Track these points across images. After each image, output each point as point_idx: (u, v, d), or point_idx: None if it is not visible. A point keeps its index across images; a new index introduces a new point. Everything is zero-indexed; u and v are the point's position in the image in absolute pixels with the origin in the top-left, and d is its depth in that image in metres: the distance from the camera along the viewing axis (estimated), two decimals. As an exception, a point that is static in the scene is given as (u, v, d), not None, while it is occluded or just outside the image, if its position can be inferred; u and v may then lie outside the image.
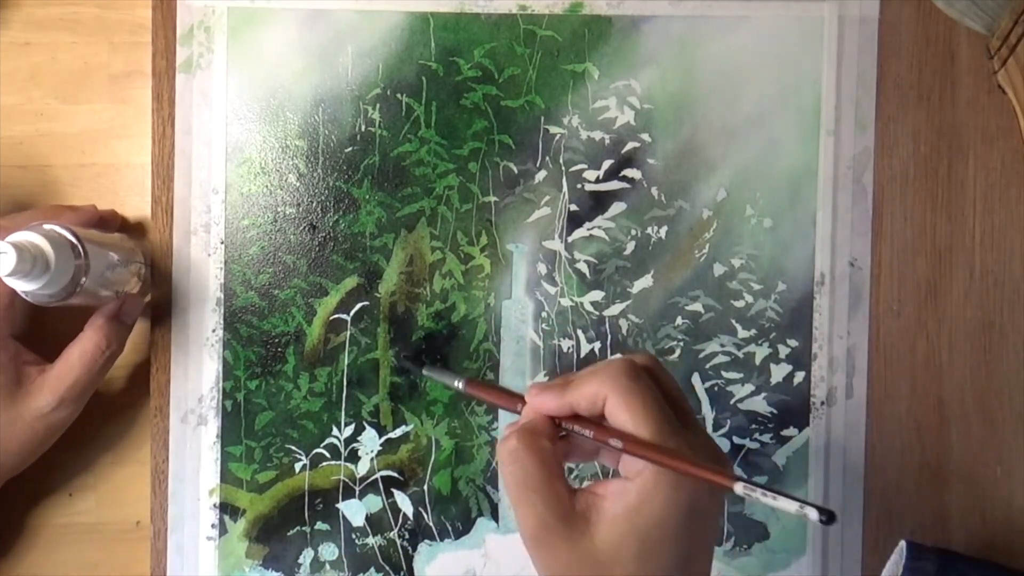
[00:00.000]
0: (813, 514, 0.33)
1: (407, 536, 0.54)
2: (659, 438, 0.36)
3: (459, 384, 0.43)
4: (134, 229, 0.54)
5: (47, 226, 0.44)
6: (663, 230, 0.54)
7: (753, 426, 0.54)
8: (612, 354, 0.54)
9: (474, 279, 0.54)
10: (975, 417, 0.55)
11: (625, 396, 0.37)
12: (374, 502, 0.54)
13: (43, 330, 0.52)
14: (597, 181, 0.54)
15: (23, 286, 0.43)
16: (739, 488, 0.34)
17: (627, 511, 0.36)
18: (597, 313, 0.54)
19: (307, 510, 0.54)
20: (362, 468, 0.54)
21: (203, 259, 0.53)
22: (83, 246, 0.44)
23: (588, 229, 0.54)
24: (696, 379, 0.54)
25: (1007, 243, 0.55)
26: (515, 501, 0.38)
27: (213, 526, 0.53)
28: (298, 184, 0.54)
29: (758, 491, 0.34)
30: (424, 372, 0.47)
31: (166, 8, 0.53)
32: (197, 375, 0.53)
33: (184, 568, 0.53)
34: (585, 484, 0.38)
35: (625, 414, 0.37)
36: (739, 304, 0.54)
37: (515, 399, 0.41)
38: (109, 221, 0.52)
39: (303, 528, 0.54)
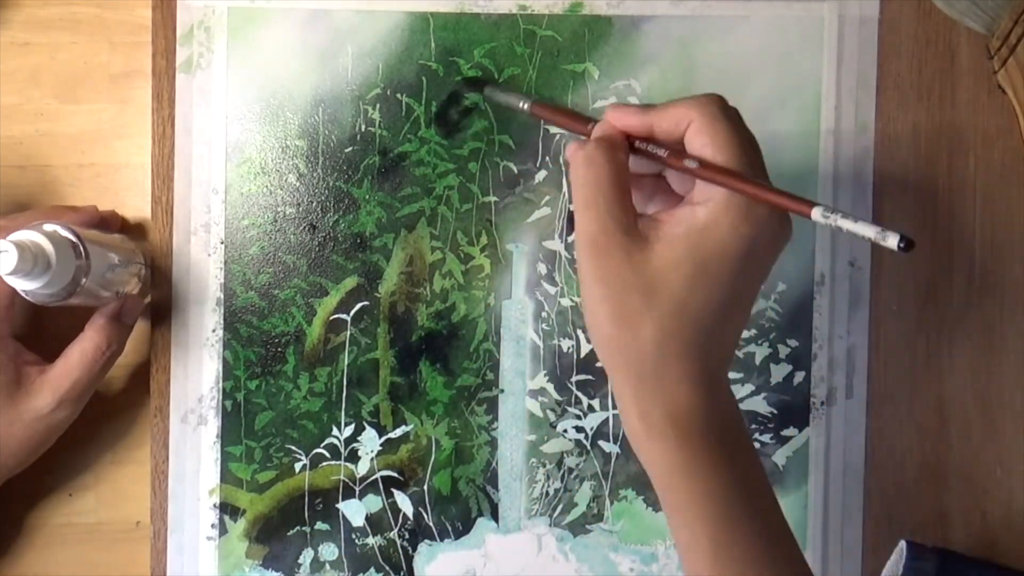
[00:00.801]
0: (893, 239, 0.32)
1: (407, 536, 0.54)
2: (738, 166, 0.36)
3: (524, 105, 0.42)
4: (134, 230, 0.54)
5: (48, 226, 0.44)
6: (663, 230, 0.54)
7: (753, 426, 0.54)
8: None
9: (474, 279, 0.54)
10: (975, 417, 0.55)
11: (712, 122, 0.37)
12: (374, 502, 0.54)
13: (43, 330, 0.52)
14: (597, 181, 0.54)
15: (24, 285, 0.43)
16: (817, 214, 0.34)
17: (689, 233, 0.37)
18: (597, 313, 0.54)
19: (307, 510, 0.54)
20: (362, 468, 0.54)
21: (203, 259, 0.53)
22: (84, 246, 0.44)
23: (588, 229, 0.54)
24: (696, 379, 0.54)
25: (1007, 243, 0.55)
26: (581, 204, 0.38)
27: (213, 526, 0.53)
28: (298, 184, 0.54)
29: (837, 215, 0.33)
30: (485, 92, 0.46)
31: (166, 8, 0.53)
32: (197, 375, 0.53)
33: (184, 568, 0.53)
34: None
35: (707, 138, 0.37)
36: (739, 304, 0.54)
37: (586, 121, 0.40)
38: (110, 222, 0.52)
39: (303, 528, 0.54)
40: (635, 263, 0.37)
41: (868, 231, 0.32)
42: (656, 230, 0.37)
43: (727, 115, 0.37)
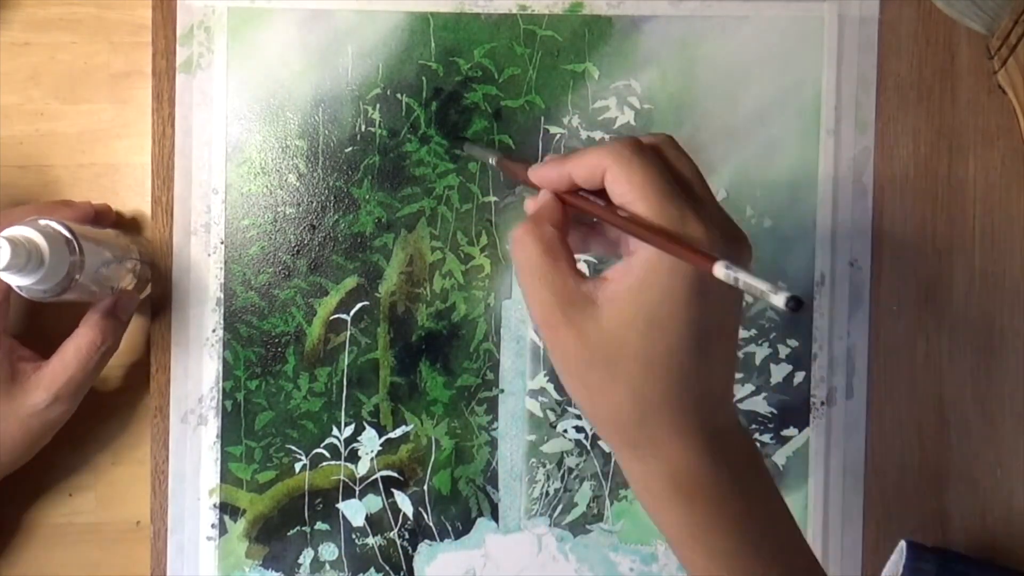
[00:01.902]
0: (781, 298, 0.30)
1: (407, 536, 0.54)
2: (656, 210, 0.34)
3: (492, 160, 0.43)
4: (129, 226, 0.53)
5: (42, 221, 0.44)
6: (663, 230, 0.54)
7: (753, 426, 0.54)
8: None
9: (474, 279, 0.54)
10: (975, 417, 0.55)
11: (625, 167, 0.35)
12: (374, 502, 0.54)
13: (38, 327, 0.52)
14: (597, 181, 0.54)
15: (17, 281, 0.43)
16: (719, 269, 0.32)
17: (631, 288, 0.35)
18: (597, 313, 0.54)
19: (307, 510, 0.54)
20: (362, 468, 0.54)
21: (203, 259, 0.53)
22: (78, 242, 0.44)
23: (588, 229, 0.54)
24: (696, 379, 0.54)
25: (1007, 243, 0.55)
26: (522, 288, 0.37)
27: (213, 526, 0.53)
28: (298, 184, 0.54)
29: (738, 271, 0.31)
30: (465, 148, 0.49)
31: (166, 8, 0.53)
32: (197, 375, 0.53)
33: (184, 568, 0.53)
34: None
35: (624, 186, 0.35)
36: (739, 304, 0.54)
37: (523, 170, 0.40)
38: (103, 216, 0.52)
39: (303, 528, 0.54)
40: (588, 334, 0.35)
41: (762, 286, 0.31)
42: (603, 290, 0.36)
43: (642, 158, 0.35)
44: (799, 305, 0.30)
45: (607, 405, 0.36)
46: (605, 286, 0.36)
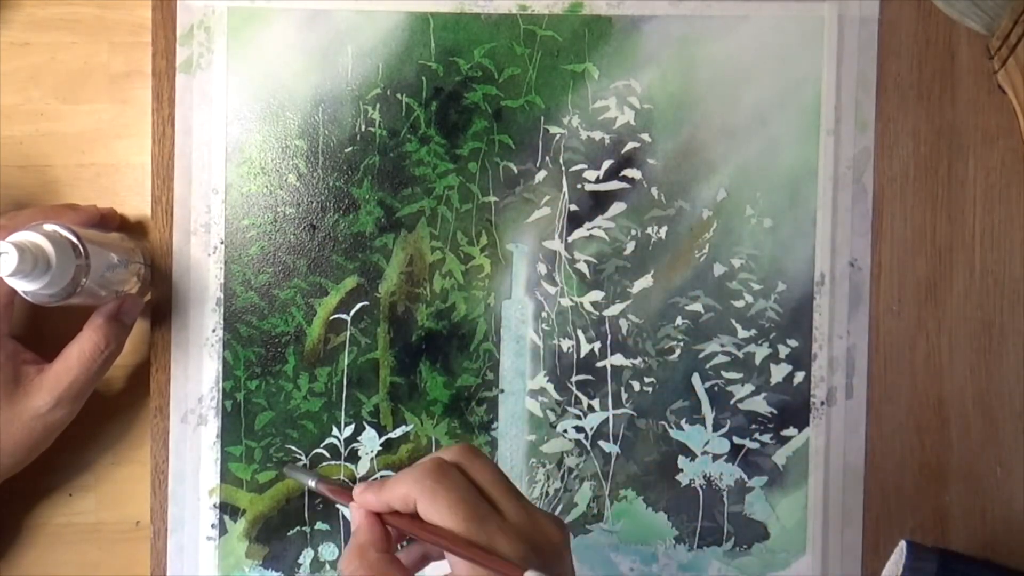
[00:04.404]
0: None
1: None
2: (465, 530, 0.38)
3: (311, 483, 0.44)
4: (134, 229, 0.54)
5: (48, 226, 0.44)
6: (663, 230, 0.54)
7: (753, 426, 0.54)
8: (612, 355, 0.54)
9: (474, 279, 0.54)
10: (975, 417, 0.55)
11: (432, 497, 0.38)
12: (374, 502, 0.54)
13: (42, 330, 0.52)
14: (597, 181, 0.54)
15: (24, 286, 0.43)
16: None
17: None
18: (597, 313, 0.54)
19: (307, 510, 0.54)
20: (362, 468, 0.54)
21: (203, 259, 0.53)
22: (84, 246, 0.44)
23: (588, 229, 0.54)
24: (696, 379, 0.54)
25: (1007, 243, 0.55)
26: None
27: (213, 526, 0.53)
28: (298, 184, 0.54)
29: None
30: (285, 471, 0.49)
31: (166, 8, 0.53)
32: (197, 375, 0.53)
33: (184, 568, 0.53)
34: None
35: (433, 515, 0.38)
36: (739, 304, 0.54)
37: (346, 495, 0.42)
38: (108, 220, 0.52)
39: (303, 528, 0.54)
40: None
41: None
42: None
43: (443, 483, 0.39)
44: None
45: None
46: None
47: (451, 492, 0.39)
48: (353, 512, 0.41)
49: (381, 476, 0.54)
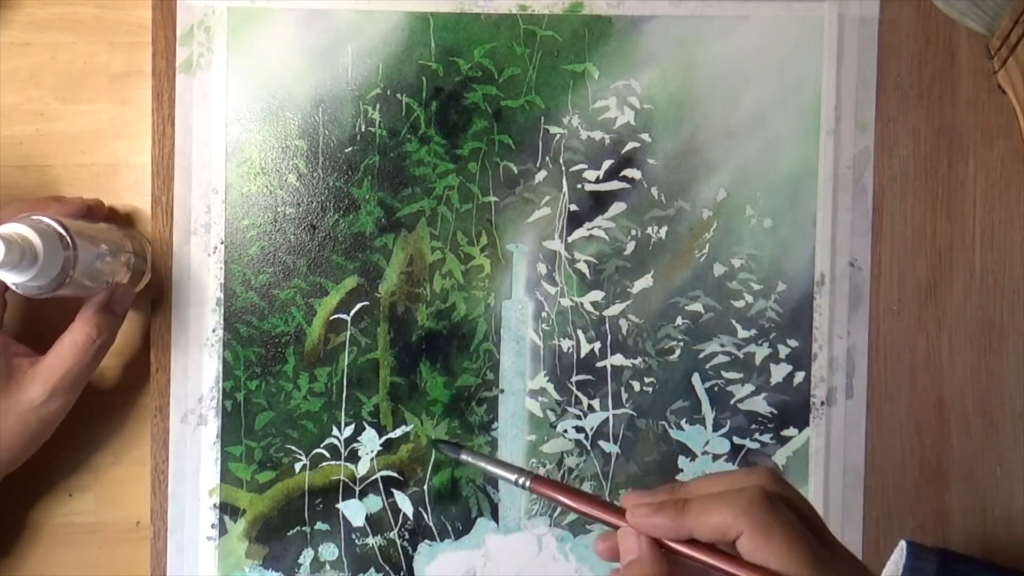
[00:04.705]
0: None
1: (407, 536, 0.54)
2: (802, 567, 0.33)
3: (522, 481, 0.37)
4: (122, 220, 0.53)
5: (35, 217, 0.43)
6: (663, 230, 0.54)
7: (753, 426, 0.54)
8: (612, 355, 0.54)
9: (474, 279, 0.54)
10: (975, 417, 0.55)
11: (767, 534, 0.33)
12: (374, 502, 0.54)
13: (33, 322, 0.51)
14: (597, 181, 0.54)
15: (12, 278, 0.42)
16: None
17: None
18: (597, 313, 0.54)
19: (307, 510, 0.54)
20: (362, 468, 0.54)
21: (203, 259, 0.53)
22: (72, 237, 0.44)
23: (588, 229, 0.54)
24: (696, 379, 0.54)
25: (1007, 243, 0.55)
26: None
27: (213, 526, 0.53)
28: (298, 184, 0.54)
29: None
30: (462, 457, 0.40)
31: (166, 8, 0.53)
32: (197, 375, 0.53)
33: (184, 568, 0.53)
34: None
35: (768, 554, 0.33)
36: (739, 304, 0.54)
37: (612, 512, 0.36)
38: (96, 211, 0.52)
39: (303, 528, 0.54)
40: None
41: None
42: None
43: (779, 518, 0.34)
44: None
45: None
46: None
47: (787, 529, 0.33)
48: (626, 537, 0.35)
49: (381, 476, 0.54)
